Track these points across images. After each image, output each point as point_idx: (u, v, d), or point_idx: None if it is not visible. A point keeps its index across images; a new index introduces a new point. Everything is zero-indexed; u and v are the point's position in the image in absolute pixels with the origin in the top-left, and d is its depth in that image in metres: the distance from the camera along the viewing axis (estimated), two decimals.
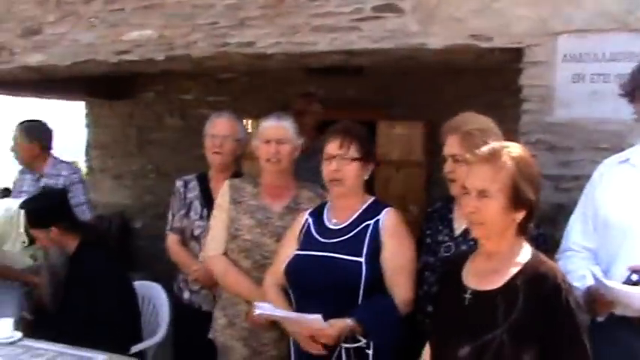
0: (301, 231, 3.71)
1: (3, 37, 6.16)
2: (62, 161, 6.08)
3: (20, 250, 5.52)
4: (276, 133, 4.04)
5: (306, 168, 4.25)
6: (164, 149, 9.68)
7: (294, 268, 3.59)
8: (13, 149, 5.97)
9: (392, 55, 4.77)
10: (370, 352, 3.31)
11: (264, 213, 4.05)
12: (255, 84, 8.62)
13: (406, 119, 7.92)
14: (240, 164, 4.95)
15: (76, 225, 4.90)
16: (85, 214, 5.75)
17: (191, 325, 4.61)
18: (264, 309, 3.48)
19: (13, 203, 5.50)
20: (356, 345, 3.33)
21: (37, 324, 4.95)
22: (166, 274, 5.21)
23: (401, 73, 7.63)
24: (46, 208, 4.84)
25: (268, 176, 4.10)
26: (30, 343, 4.35)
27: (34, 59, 6.00)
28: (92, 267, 4.61)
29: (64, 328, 4.48)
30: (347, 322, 3.30)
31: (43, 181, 5.83)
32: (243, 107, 4.92)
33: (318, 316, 3.29)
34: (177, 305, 4.92)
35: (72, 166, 6.31)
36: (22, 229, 5.42)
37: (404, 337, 3.40)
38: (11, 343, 4.33)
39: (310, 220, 3.71)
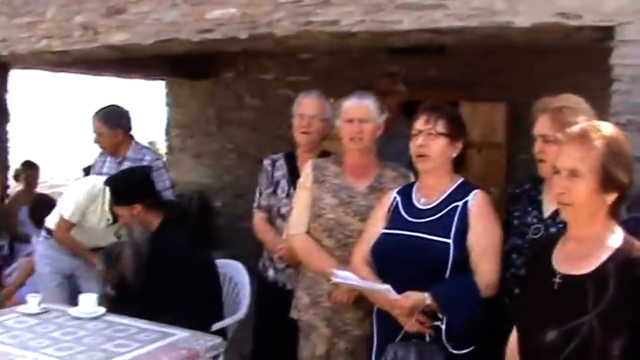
0: (389, 210, 3.68)
1: (87, 16, 6.21)
2: (144, 146, 6.06)
3: (105, 227, 5.61)
4: (359, 112, 4.01)
5: (388, 151, 4.21)
6: (244, 129, 9.72)
7: (381, 247, 3.57)
8: (96, 140, 5.93)
9: (478, 33, 4.68)
10: (443, 327, 3.29)
11: (348, 192, 4.03)
12: (335, 64, 8.58)
13: (488, 100, 7.82)
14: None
15: (159, 203, 4.94)
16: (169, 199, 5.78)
17: (275, 303, 4.61)
18: (341, 277, 3.49)
19: (98, 180, 5.56)
20: (435, 323, 3.32)
21: (119, 300, 5.01)
22: (245, 252, 5.24)
23: (484, 53, 7.53)
24: (130, 186, 4.88)
25: (351, 155, 4.07)
26: (113, 318, 4.42)
27: (118, 38, 6.04)
28: (175, 244, 4.65)
29: (146, 305, 4.53)
30: (423, 296, 3.29)
31: (126, 164, 5.85)
32: (324, 87, 4.88)
33: (387, 286, 3.32)
34: (261, 283, 4.92)
35: (153, 152, 6.30)
36: (106, 207, 5.51)
37: (484, 319, 3.35)
38: (95, 318, 4.41)
39: (399, 199, 3.67)
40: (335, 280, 3.51)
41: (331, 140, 4.71)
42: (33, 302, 4.56)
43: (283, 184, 4.72)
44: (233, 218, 8.72)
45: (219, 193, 9.80)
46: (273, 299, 4.68)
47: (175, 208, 5.23)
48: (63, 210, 5.63)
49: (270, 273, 4.77)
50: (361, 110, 4.01)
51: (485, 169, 7.61)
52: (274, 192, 4.74)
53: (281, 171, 4.76)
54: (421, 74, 7.95)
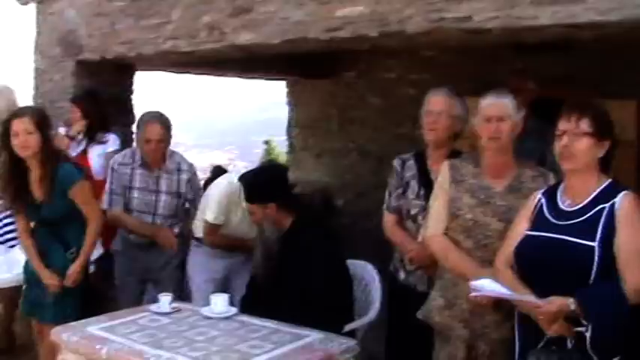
0: (533, 211, 3.58)
1: (213, 16, 6.24)
2: (173, 151, 6.09)
3: (248, 222, 5.59)
4: (497, 110, 3.94)
5: (521, 149, 4.09)
6: (365, 128, 9.65)
7: (525, 249, 3.49)
8: (154, 145, 5.82)
9: (619, 28, 4.48)
10: (588, 335, 3.16)
11: (486, 192, 3.95)
12: (459, 61, 8.41)
13: (618, 97, 7.56)
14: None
15: (293, 203, 4.91)
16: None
17: (406, 305, 4.56)
18: (480, 287, 3.42)
19: (234, 179, 5.59)
20: (578, 329, 3.20)
21: (249, 298, 5.01)
22: (368, 252, 5.17)
23: (614, 49, 7.27)
24: (265, 185, 4.87)
25: (489, 155, 3.99)
26: (245, 318, 4.43)
27: (244, 38, 6.04)
28: (307, 245, 4.61)
29: (277, 304, 4.52)
30: (567, 301, 3.18)
31: (164, 177, 5.92)
32: (447, 85, 4.79)
33: (530, 297, 3.27)
34: (392, 285, 4.90)
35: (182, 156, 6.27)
36: (244, 204, 5.53)
37: (632, 328, 3.23)
38: (227, 318, 4.42)
39: (543, 200, 3.57)
40: (474, 294, 3.44)
41: (464, 139, 4.62)
42: (165, 301, 4.60)
43: (413, 184, 4.67)
44: (355, 217, 8.67)
45: (340, 192, 9.76)
46: (404, 301, 4.63)
47: (309, 209, 5.18)
48: (206, 215, 5.69)
49: (401, 275, 4.74)
50: (499, 108, 3.94)
51: (614, 168, 7.37)
52: (404, 193, 4.70)
53: (411, 171, 4.71)
54: (549, 71, 7.71)
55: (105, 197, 5.92)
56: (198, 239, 5.89)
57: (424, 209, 4.48)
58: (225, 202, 5.64)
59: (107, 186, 5.97)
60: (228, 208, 5.65)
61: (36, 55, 8.09)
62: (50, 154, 5.01)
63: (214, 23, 6.22)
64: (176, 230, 5.99)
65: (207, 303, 4.67)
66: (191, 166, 6.07)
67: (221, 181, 5.85)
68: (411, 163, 4.73)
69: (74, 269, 5.03)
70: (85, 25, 7.45)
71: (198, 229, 5.87)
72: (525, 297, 3.30)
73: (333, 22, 5.37)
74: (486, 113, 3.93)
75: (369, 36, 5.20)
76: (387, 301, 4.97)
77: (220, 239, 5.75)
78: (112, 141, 6.92)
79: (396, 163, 4.78)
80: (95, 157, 6.73)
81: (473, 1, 4.76)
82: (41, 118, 5.04)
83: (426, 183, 4.56)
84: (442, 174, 4.13)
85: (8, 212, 6.00)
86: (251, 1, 5.90)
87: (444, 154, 4.54)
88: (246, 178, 5.09)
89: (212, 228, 5.70)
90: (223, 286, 5.75)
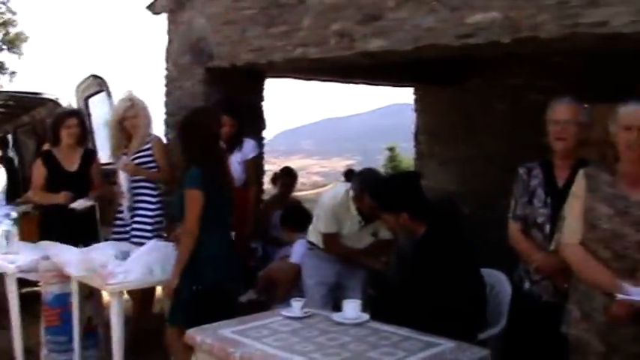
0: None
1: (343, 24, 6.30)
2: None
3: (359, 229, 5.68)
4: (637, 118, 3.80)
5: None
6: (492, 135, 9.55)
7: None
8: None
9: None
10: None
11: (624, 202, 3.83)
12: (587, 67, 8.24)
13: None
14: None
15: (425, 211, 4.90)
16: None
17: (531, 315, 4.52)
18: (630, 290, 3.34)
19: (341, 187, 5.68)
20: None
21: (380, 301, 5.03)
22: (496, 261, 5.11)
23: None
24: (399, 193, 4.88)
25: (628, 164, 3.87)
26: (377, 325, 4.42)
27: (375, 45, 6.07)
28: (441, 253, 4.60)
29: (410, 311, 4.51)
30: None
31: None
32: (575, 92, 4.68)
33: None
34: (516, 294, 4.81)
35: None
36: (354, 211, 5.59)
37: None
38: (359, 324, 4.42)
39: None
40: (621, 297, 3.34)
41: (593, 146, 4.53)
42: (297, 306, 4.64)
43: (539, 192, 4.58)
44: (482, 226, 8.57)
45: (466, 200, 9.67)
46: (529, 311, 4.57)
47: (442, 217, 5.16)
48: (319, 226, 5.81)
49: (526, 284, 4.65)
50: (639, 117, 3.81)
51: None
52: (530, 201, 4.60)
53: (537, 179, 4.62)
54: None
55: None
56: (311, 243, 6.05)
57: (551, 218, 4.42)
58: (332, 213, 5.77)
59: None
60: (338, 218, 5.76)
61: (167, 63, 8.31)
62: None
63: (344, 30, 6.28)
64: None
65: (317, 305, 4.72)
66: None
67: (328, 192, 5.97)
68: (537, 171, 4.64)
69: None
70: (214, 33, 7.62)
71: (312, 234, 6.04)
72: None
73: (465, 29, 5.35)
74: (625, 121, 3.82)
75: (501, 42, 5.17)
76: (511, 310, 4.88)
77: (340, 248, 5.88)
78: (252, 147, 7.07)
79: (522, 171, 4.71)
80: (235, 164, 6.79)
81: (609, 6, 4.67)
82: None
83: (553, 191, 4.49)
84: (577, 183, 4.03)
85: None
86: (381, 8, 5.93)
87: (570, 163, 4.47)
88: (380, 186, 5.12)
89: (328, 237, 5.85)
90: (334, 291, 5.91)
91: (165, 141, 7.29)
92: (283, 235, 7.56)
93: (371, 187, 5.34)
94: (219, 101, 7.25)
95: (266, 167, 8.87)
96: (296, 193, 10.63)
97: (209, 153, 5.20)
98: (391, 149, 27.66)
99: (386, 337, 4.20)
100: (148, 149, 6.78)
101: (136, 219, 6.74)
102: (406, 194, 4.85)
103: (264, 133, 8.42)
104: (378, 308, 4.91)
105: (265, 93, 8.34)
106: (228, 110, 6.76)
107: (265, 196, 8.97)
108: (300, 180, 12.25)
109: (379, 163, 26.69)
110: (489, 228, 4.81)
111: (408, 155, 11.42)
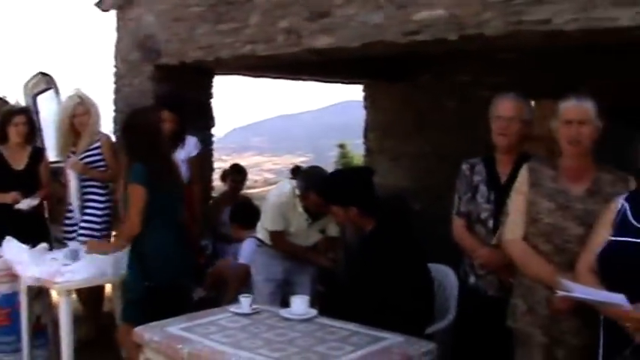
0: (616, 217, 3.52)
1: (291, 21, 6.31)
2: None
3: (306, 227, 5.71)
4: (578, 113, 3.86)
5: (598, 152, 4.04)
6: (442, 131, 9.61)
7: (610, 255, 3.42)
8: None
9: None
10: None
11: (565, 196, 3.90)
12: (535, 64, 8.33)
13: None
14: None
15: (375, 207, 4.92)
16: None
17: (477, 309, 4.57)
18: (569, 288, 3.36)
19: (286, 185, 5.71)
20: None
21: (329, 296, 5.05)
22: (445, 256, 5.15)
23: None
24: (350, 187, 4.91)
25: (568, 159, 3.93)
26: (324, 320, 4.45)
27: (322, 42, 6.09)
28: (389, 249, 4.62)
29: (358, 306, 4.54)
30: None
31: None
32: (523, 88, 4.74)
33: (620, 296, 3.17)
34: (462, 289, 4.88)
35: None
36: (300, 209, 5.61)
37: None
38: (306, 320, 4.45)
39: (627, 206, 3.50)
40: (561, 293, 3.39)
41: (536, 141, 4.59)
42: (245, 302, 4.65)
43: (482, 188, 4.63)
44: (432, 222, 8.61)
45: (417, 196, 9.72)
46: (475, 305, 4.63)
47: (391, 213, 5.19)
48: (265, 223, 5.82)
49: (472, 279, 4.70)
50: (580, 112, 3.87)
51: None
52: (473, 197, 4.65)
53: (480, 175, 4.67)
54: (630, 76, 7.58)
55: None
56: (260, 240, 6.07)
57: (494, 213, 4.47)
58: (278, 210, 5.80)
59: None
60: (284, 215, 5.79)
61: (116, 61, 8.26)
62: None
63: (291, 27, 6.29)
64: None
65: (266, 302, 4.74)
66: None
67: (274, 189, 5.99)
68: (480, 167, 4.69)
69: None
70: (163, 31, 7.59)
71: (260, 231, 6.07)
72: (617, 297, 3.20)
73: (412, 26, 5.40)
74: (567, 116, 3.87)
75: (447, 39, 5.21)
76: (458, 304, 4.96)
77: (286, 245, 5.90)
78: (194, 145, 7.00)
79: (465, 167, 4.75)
80: (178, 162, 6.68)
81: (553, 4, 4.72)
82: None
83: (496, 187, 4.54)
84: (520, 178, 4.09)
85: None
86: (328, 5, 5.94)
87: (513, 158, 4.53)
88: (331, 179, 5.15)
89: (275, 234, 5.87)
90: (283, 288, 5.94)
91: (114, 139, 7.23)
92: (233, 233, 7.57)
93: (317, 184, 5.36)
94: (160, 96, 7.15)
95: (218, 165, 8.85)
96: (248, 191, 10.64)
97: (152, 150, 5.19)
98: (342, 146, 27.67)
99: (333, 332, 4.23)
100: (96, 148, 6.74)
101: (85, 217, 6.71)
102: (357, 188, 4.87)
103: (216, 131, 8.41)
104: (327, 304, 4.93)
105: (216, 90, 8.33)
106: (170, 106, 6.65)
107: (215, 194, 8.95)
108: (252, 177, 12.25)
109: (331, 160, 26.68)
110: (440, 223, 4.85)
111: (359, 152, 11.44)
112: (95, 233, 6.58)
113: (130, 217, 5.14)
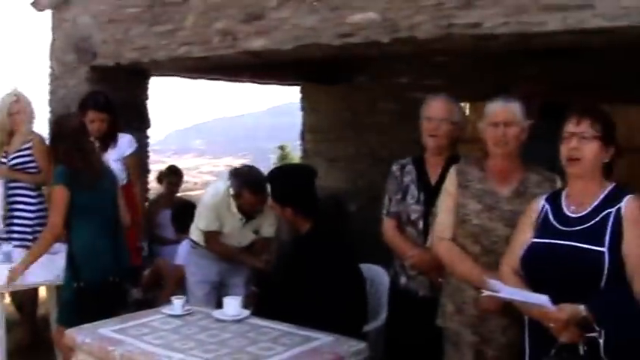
0: (538, 218, 3.59)
1: (226, 23, 6.31)
2: None
3: (240, 227, 5.71)
4: (504, 115, 3.94)
5: (530, 154, 4.11)
6: (379, 133, 9.65)
7: (532, 256, 3.48)
8: None
9: (628, 34, 4.50)
10: (601, 341, 3.14)
11: (492, 197, 3.96)
12: (471, 67, 8.44)
13: (629, 103, 7.56)
14: (457, 147, 4.82)
15: (311, 210, 4.96)
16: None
17: (407, 310, 4.61)
18: (495, 288, 3.41)
19: (220, 186, 5.72)
20: (590, 335, 3.17)
21: (263, 298, 5.06)
22: (381, 257, 5.20)
23: (624, 55, 7.27)
24: (288, 187, 4.95)
25: (495, 160, 4.00)
26: (256, 321, 4.48)
27: (257, 44, 6.11)
28: (320, 250, 4.65)
29: (290, 307, 4.56)
30: (578, 309, 3.17)
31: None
32: (459, 91, 4.82)
33: (544, 297, 3.21)
34: (393, 290, 4.88)
35: None
36: (234, 209, 5.62)
37: None
38: (238, 321, 4.46)
39: (548, 207, 3.58)
40: (487, 293, 3.44)
41: (470, 143, 4.64)
42: (178, 304, 4.65)
43: (412, 189, 4.66)
44: (368, 223, 8.65)
45: (353, 197, 9.77)
46: (406, 305, 4.66)
47: (326, 216, 5.22)
48: (199, 223, 5.81)
49: (403, 280, 4.72)
50: (506, 113, 3.94)
51: (628, 174, 7.36)
52: (403, 198, 4.68)
53: (410, 176, 4.70)
54: (560, 77, 7.72)
55: None
56: (194, 242, 6.04)
57: (424, 214, 4.52)
58: (214, 210, 5.77)
59: None
60: (219, 215, 5.77)
61: (51, 61, 8.16)
62: None
63: (227, 29, 6.29)
64: None
65: (198, 303, 4.75)
66: None
67: (209, 190, 6.00)
68: (410, 167, 4.72)
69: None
70: (99, 32, 7.52)
71: (194, 232, 6.03)
72: (541, 298, 3.25)
73: (345, 28, 5.43)
74: (493, 118, 3.94)
75: (380, 42, 5.26)
76: (389, 304, 4.96)
77: (220, 246, 5.88)
78: (128, 143, 6.85)
79: (395, 167, 4.78)
80: (111, 162, 6.43)
81: (483, 8, 4.80)
82: None
83: (426, 188, 4.58)
84: (449, 179, 4.14)
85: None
86: (263, 7, 5.96)
87: (443, 159, 4.57)
88: (273, 174, 5.19)
89: (209, 235, 5.85)
90: (218, 290, 5.93)
91: (47, 141, 7.13)
92: (175, 235, 7.57)
93: (251, 182, 5.38)
94: (87, 96, 7.01)
95: (157, 167, 8.81)
96: (188, 193, 10.61)
97: (73, 151, 5.14)
98: (282, 148, 27.61)
99: (265, 332, 4.26)
100: (28, 149, 6.63)
101: (15, 221, 6.59)
102: (295, 189, 4.91)
103: (156, 133, 8.37)
104: (261, 305, 4.95)
105: (157, 92, 8.29)
106: (98, 106, 6.58)
107: (151, 195, 8.90)
108: (192, 179, 12.19)
109: (271, 161, 26.65)
110: (375, 223, 4.88)
111: (299, 154, 11.45)
112: (28, 237, 6.46)
113: (51, 218, 5.15)
